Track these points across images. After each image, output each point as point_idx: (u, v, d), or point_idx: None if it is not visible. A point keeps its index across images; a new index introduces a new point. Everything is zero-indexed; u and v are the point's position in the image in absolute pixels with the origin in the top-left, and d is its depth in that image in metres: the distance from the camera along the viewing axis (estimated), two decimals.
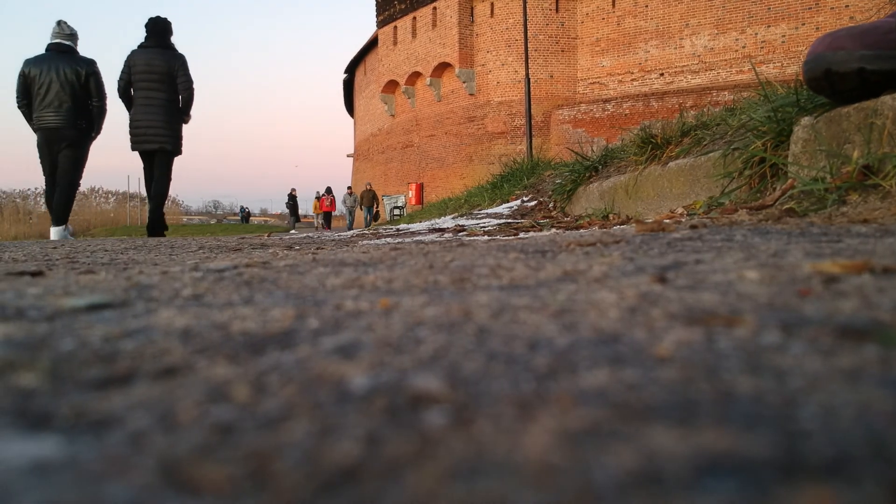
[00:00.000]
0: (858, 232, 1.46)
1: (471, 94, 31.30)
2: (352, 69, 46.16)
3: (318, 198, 36.24)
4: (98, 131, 7.45)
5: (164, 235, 7.45)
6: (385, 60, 36.14)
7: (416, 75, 34.04)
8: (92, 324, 0.77)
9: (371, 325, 0.71)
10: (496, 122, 30.71)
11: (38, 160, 7.28)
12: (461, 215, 6.59)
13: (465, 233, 3.43)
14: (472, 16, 30.94)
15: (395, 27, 35.18)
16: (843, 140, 2.18)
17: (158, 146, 7.41)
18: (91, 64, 7.24)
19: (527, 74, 17.77)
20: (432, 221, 6.35)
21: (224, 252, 2.69)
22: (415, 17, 33.63)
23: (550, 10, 29.81)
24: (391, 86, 36.26)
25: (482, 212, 6.39)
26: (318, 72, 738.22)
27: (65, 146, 7.16)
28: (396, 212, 29.99)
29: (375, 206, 28.89)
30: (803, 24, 24.68)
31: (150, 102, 7.30)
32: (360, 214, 29.32)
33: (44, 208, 54.74)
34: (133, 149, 7.50)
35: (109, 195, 60.41)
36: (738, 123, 3.34)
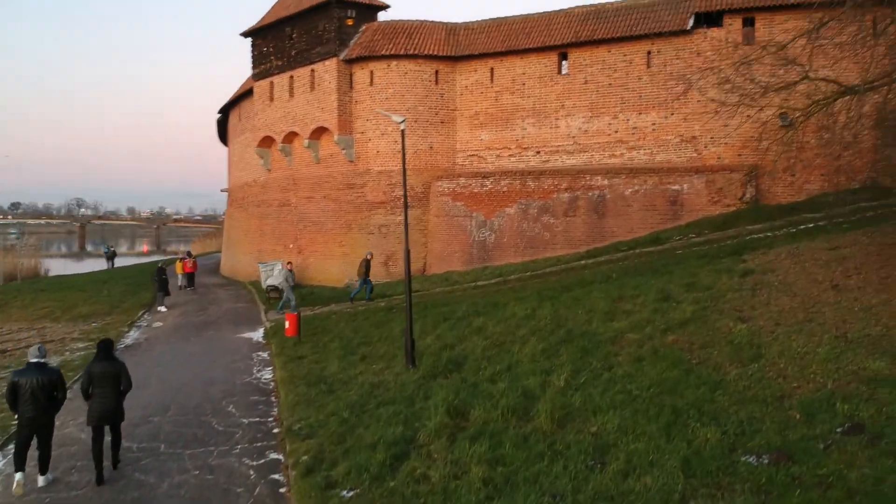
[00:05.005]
0: None
1: (350, 161, 30.81)
2: (226, 110, 44.64)
3: (181, 260, 36.03)
4: (58, 409, 10.44)
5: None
6: (261, 115, 35.07)
7: (293, 134, 33.21)
8: None
9: None
10: (376, 191, 30.36)
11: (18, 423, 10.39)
12: None
13: None
14: (351, 82, 30.46)
15: (272, 83, 34.19)
16: None
17: (111, 423, 10.45)
18: (56, 372, 10.38)
19: (403, 151, 17.50)
20: None
21: None
22: (292, 77, 32.80)
23: (430, 81, 29.75)
24: (268, 140, 35.24)
25: None
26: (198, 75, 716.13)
27: (39, 425, 10.03)
28: (271, 285, 28.04)
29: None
30: (672, 114, 25.68)
31: (105, 395, 10.25)
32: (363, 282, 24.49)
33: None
34: (89, 424, 10.33)
35: None
36: None
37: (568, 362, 11.64)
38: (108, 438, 10.41)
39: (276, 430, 11.49)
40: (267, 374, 15.47)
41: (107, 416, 10.35)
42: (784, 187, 24.12)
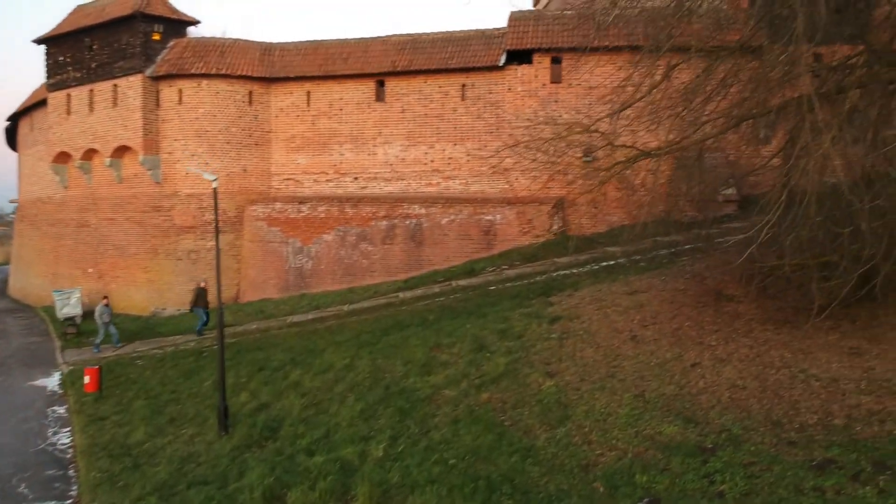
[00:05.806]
0: None
1: (157, 183, 29.19)
2: (15, 118, 40.92)
3: None
4: None
5: None
6: (57, 129, 32.41)
7: (93, 151, 30.98)
8: None
9: None
10: (185, 214, 28.95)
11: None
12: None
13: None
14: (158, 100, 28.87)
15: (69, 95, 31.68)
16: None
17: None
18: None
19: (216, 211, 16.88)
20: None
21: None
22: (92, 90, 30.58)
23: (244, 101, 28.80)
24: (64, 156, 32.64)
25: None
26: None
27: None
28: (68, 315, 26.05)
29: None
30: (485, 147, 26.42)
31: None
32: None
33: None
34: None
35: None
36: None
37: (387, 427, 11.64)
38: None
39: None
40: (65, 438, 14.29)
41: None
42: (589, 219, 25.51)
